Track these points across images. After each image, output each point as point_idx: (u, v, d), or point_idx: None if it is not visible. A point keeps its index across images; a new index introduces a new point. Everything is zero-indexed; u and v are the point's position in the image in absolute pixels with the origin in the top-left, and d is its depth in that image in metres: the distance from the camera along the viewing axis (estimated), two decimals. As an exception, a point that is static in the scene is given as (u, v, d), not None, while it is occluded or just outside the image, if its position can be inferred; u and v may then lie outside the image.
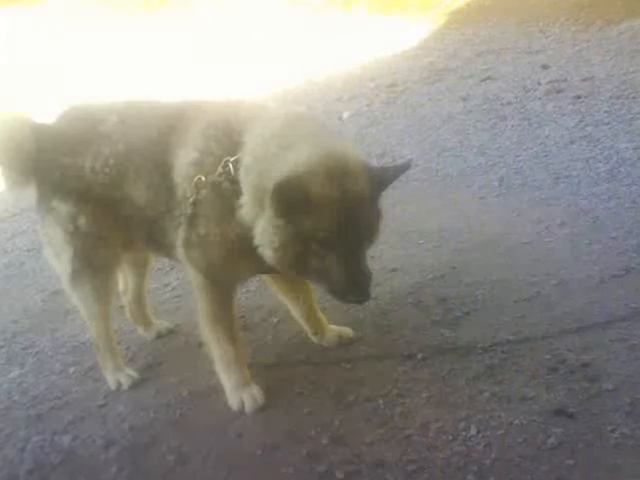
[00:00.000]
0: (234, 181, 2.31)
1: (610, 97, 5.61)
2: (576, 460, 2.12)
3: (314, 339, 2.94)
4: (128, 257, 2.96)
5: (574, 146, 4.81)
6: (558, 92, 5.99)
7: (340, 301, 2.38)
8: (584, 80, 6.17)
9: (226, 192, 2.34)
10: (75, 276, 2.73)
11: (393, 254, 3.62)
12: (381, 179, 2.28)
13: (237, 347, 2.60)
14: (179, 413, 2.65)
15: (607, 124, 5.08)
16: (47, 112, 2.85)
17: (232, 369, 2.60)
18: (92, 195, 2.62)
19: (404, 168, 2.37)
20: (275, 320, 3.17)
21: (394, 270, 3.47)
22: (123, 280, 3.13)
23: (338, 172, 2.16)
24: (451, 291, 3.20)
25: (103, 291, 2.77)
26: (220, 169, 2.33)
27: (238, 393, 2.59)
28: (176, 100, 2.72)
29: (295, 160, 2.18)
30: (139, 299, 3.17)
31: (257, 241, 2.26)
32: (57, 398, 2.89)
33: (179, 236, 2.50)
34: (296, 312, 2.94)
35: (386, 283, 3.32)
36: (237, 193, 2.31)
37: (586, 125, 5.14)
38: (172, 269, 3.81)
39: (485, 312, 3.00)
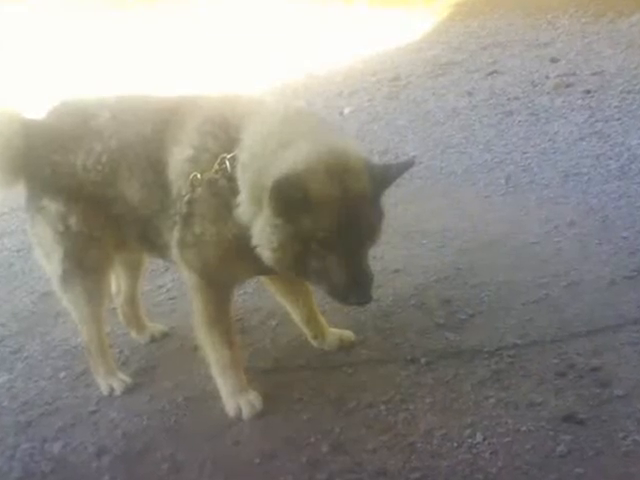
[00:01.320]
0: (231, 179, 2.32)
1: (621, 92, 5.61)
2: (586, 468, 2.12)
3: (314, 343, 2.94)
4: (121, 258, 2.95)
5: (584, 142, 4.80)
6: (567, 86, 5.98)
7: (341, 303, 2.37)
8: (594, 74, 6.17)
9: (222, 190, 2.34)
10: (66, 277, 2.73)
11: (395, 255, 3.61)
12: (383, 177, 2.28)
13: (234, 351, 2.59)
14: (174, 419, 2.65)
15: (618, 120, 5.08)
16: (38, 108, 2.85)
17: (229, 374, 2.59)
18: (83, 193, 2.62)
19: (407, 166, 2.37)
20: (274, 323, 3.17)
21: (396, 271, 3.47)
22: (116, 281, 3.13)
23: (339, 170, 2.16)
24: (455, 293, 3.20)
25: (95, 293, 2.77)
26: (216, 166, 2.33)
27: (235, 399, 2.58)
28: (171, 95, 2.72)
29: (294, 157, 2.18)
30: (132, 301, 3.17)
31: (255, 241, 2.26)
32: (47, 404, 2.89)
33: (174, 236, 2.49)
34: (295, 315, 2.93)
35: (388, 285, 3.32)
36: (234, 191, 2.31)
37: (596, 121, 5.14)
38: (167, 270, 3.80)
39: (491, 315, 2.99)
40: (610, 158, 4.46)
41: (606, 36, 7.23)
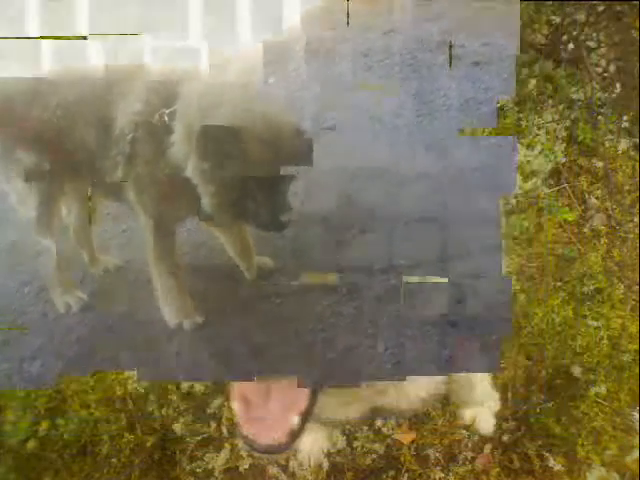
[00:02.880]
0: (169, 129, 2.54)
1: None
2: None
3: (247, 275, 3.07)
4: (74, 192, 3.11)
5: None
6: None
7: (263, 230, 2.55)
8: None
9: (160, 130, 2.54)
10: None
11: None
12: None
13: (179, 280, 2.84)
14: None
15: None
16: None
17: (174, 298, 2.85)
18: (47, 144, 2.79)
19: None
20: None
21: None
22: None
23: (271, 123, 2.39)
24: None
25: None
26: (157, 117, 2.55)
27: (180, 320, 2.84)
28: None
29: (226, 112, 2.41)
30: (84, 227, 3.22)
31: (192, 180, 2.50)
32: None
33: (119, 176, 2.71)
34: (230, 248, 3.08)
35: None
36: (169, 131, 2.53)
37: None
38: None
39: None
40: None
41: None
